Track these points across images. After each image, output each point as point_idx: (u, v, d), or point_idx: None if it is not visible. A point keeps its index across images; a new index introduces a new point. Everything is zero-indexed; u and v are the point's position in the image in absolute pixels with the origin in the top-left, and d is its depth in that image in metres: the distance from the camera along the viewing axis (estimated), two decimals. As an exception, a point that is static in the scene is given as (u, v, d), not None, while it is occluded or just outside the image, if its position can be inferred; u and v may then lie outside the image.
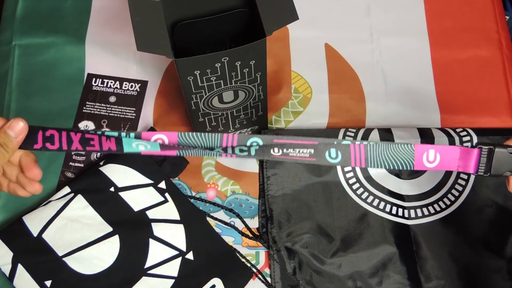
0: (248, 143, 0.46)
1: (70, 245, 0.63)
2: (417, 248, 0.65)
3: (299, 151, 0.46)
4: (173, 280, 0.63)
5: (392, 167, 0.47)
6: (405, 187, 0.69)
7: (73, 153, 0.71)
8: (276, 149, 0.46)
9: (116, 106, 0.74)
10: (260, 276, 0.65)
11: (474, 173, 0.47)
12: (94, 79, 0.76)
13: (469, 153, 0.47)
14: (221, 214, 0.69)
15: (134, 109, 0.74)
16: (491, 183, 0.69)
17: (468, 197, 0.68)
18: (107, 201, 0.66)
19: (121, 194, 0.66)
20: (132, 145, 0.46)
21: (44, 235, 0.63)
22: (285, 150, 0.46)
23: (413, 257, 0.65)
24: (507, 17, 0.98)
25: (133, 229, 0.65)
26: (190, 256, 0.64)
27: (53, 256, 0.62)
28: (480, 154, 0.47)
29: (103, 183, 0.66)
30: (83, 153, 0.71)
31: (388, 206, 0.68)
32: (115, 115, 0.74)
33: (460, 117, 0.75)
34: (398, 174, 0.69)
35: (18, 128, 0.45)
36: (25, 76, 0.77)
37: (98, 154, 0.71)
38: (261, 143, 0.46)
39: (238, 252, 0.66)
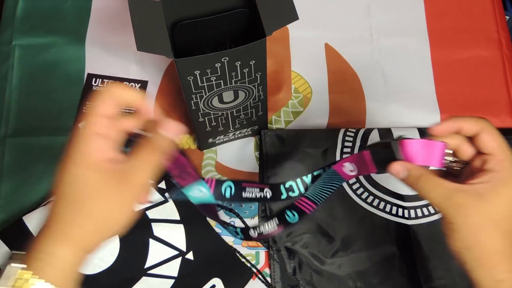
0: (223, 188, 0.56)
1: (70, 245, 0.63)
2: (417, 248, 0.65)
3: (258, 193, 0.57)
4: (173, 280, 0.63)
5: (333, 192, 0.54)
6: (405, 187, 0.69)
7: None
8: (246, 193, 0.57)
9: (116, 106, 0.74)
10: (260, 276, 0.65)
11: (376, 172, 0.49)
12: (94, 79, 0.76)
13: (362, 157, 0.49)
14: (221, 214, 0.69)
15: (134, 109, 0.74)
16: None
17: (468, 197, 0.68)
18: (107, 201, 0.66)
19: (121, 194, 0.66)
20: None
21: (44, 235, 0.63)
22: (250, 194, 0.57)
23: (413, 257, 0.65)
24: (507, 17, 0.98)
25: (133, 229, 0.64)
26: (190, 256, 0.64)
27: (53, 256, 0.62)
28: (372, 155, 0.49)
29: (103, 183, 0.66)
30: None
31: (388, 206, 0.68)
32: (115, 115, 0.74)
33: (460, 117, 0.75)
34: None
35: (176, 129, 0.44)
36: (25, 76, 0.77)
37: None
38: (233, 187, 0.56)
39: (238, 252, 0.66)
